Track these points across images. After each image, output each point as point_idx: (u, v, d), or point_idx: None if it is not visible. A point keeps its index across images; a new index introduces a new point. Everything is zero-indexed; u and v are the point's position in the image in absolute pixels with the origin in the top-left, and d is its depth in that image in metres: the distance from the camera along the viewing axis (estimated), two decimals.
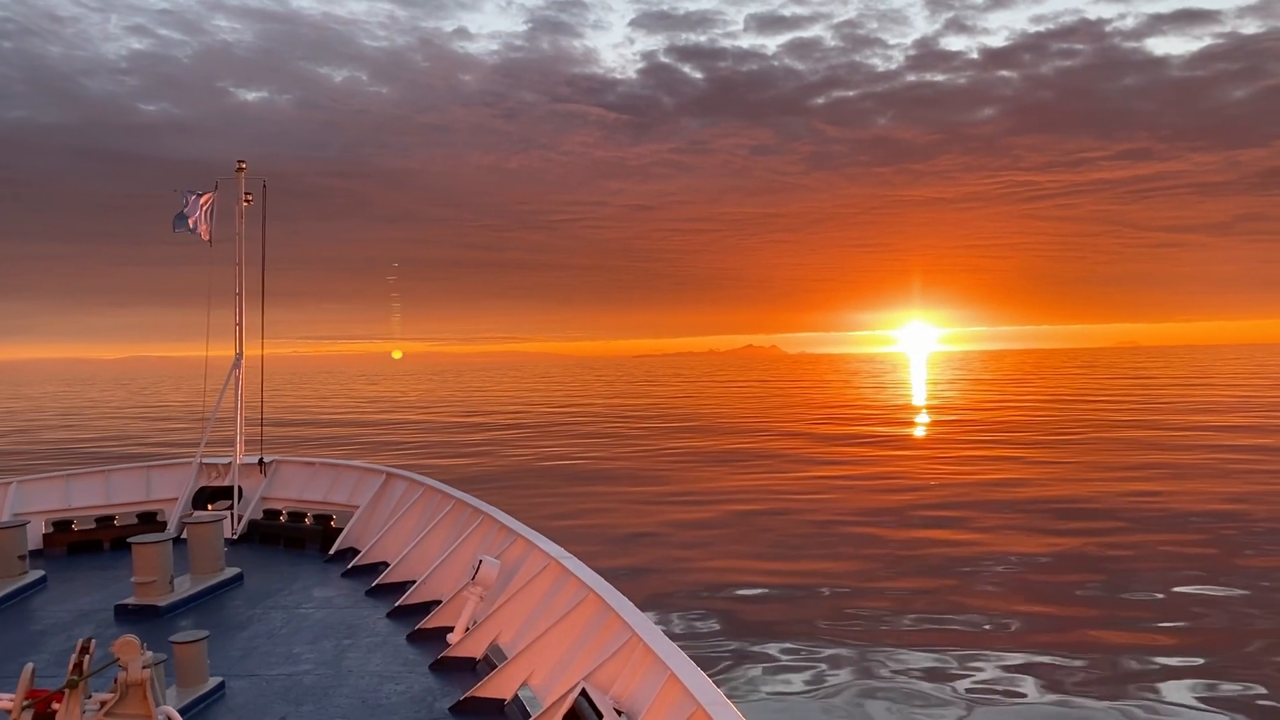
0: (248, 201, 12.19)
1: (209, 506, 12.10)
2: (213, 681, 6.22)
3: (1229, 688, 10.54)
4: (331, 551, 10.66)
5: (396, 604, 8.28)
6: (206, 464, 12.62)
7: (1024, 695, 10.41)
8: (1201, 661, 11.36)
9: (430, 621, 7.54)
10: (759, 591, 15.21)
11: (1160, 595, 14.26)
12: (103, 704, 5.07)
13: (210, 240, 11.90)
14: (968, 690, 10.60)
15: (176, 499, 12.26)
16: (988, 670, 11.25)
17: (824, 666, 11.32)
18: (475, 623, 7.04)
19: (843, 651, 11.89)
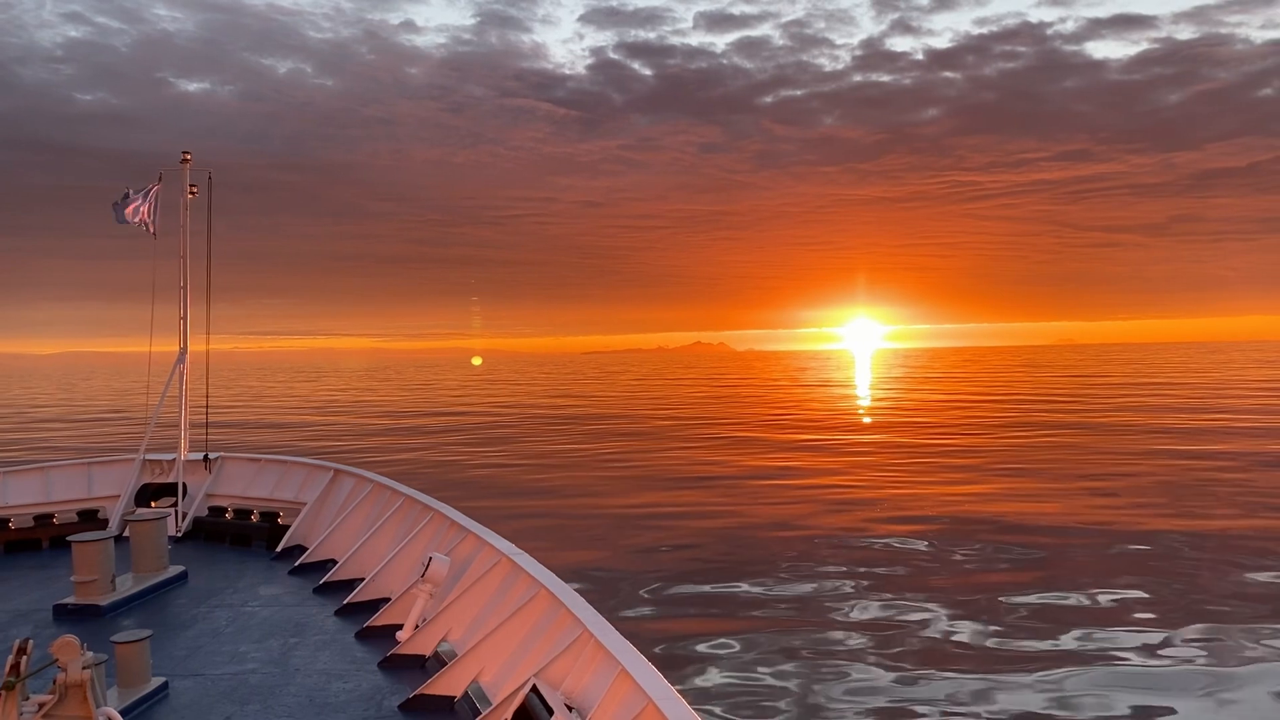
0: (193, 194, 12.00)
1: (152, 504, 11.90)
2: (156, 682, 6.13)
3: None
4: (278, 549, 10.54)
5: (345, 601, 8.21)
6: (150, 460, 12.38)
7: None
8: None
9: (379, 619, 7.50)
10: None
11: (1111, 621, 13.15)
12: (41, 705, 4.98)
13: (155, 233, 11.69)
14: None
15: (118, 496, 12.03)
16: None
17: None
18: (425, 620, 7.02)
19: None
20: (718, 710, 10.04)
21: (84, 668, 5.13)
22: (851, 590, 15.02)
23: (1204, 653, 11.80)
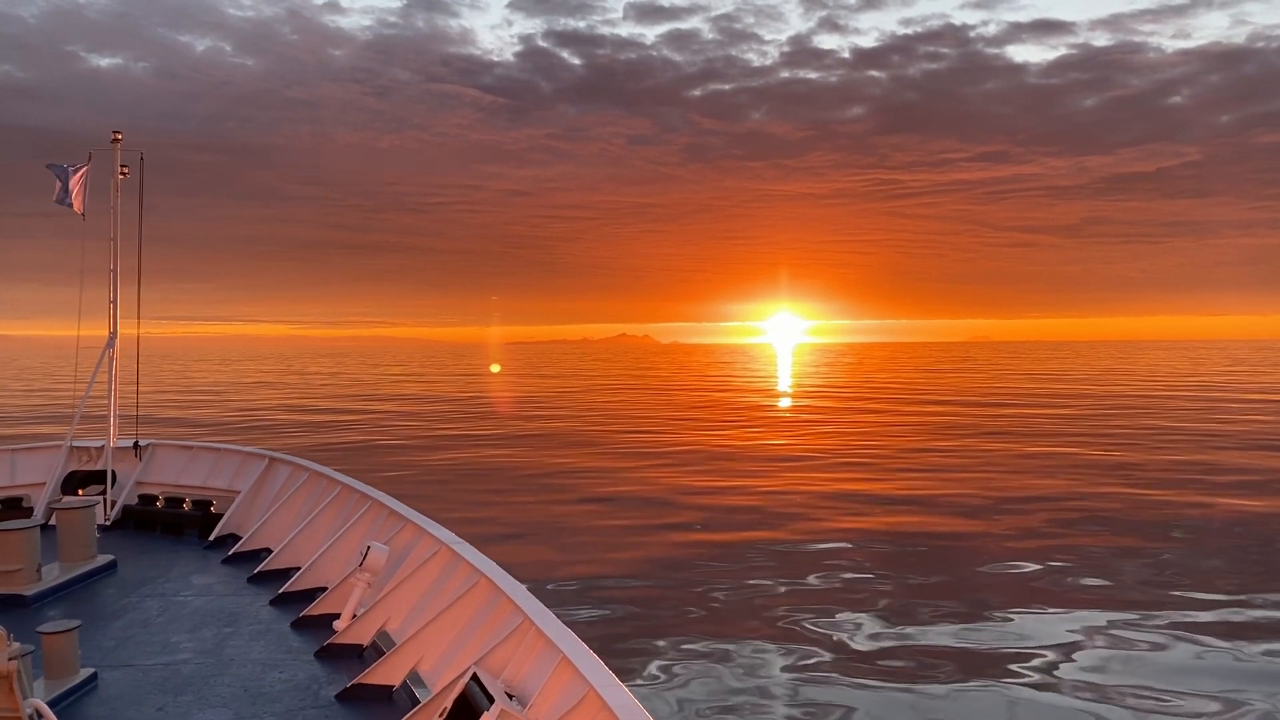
0: (123, 175, 11.69)
1: (79, 492, 11.57)
2: (84, 673, 6.01)
3: None
4: (211, 538, 10.36)
5: (280, 591, 8.12)
6: (77, 447, 12.05)
7: None
8: None
9: (315, 609, 7.43)
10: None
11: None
12: None
13: (84, 215, 11.37)
14: None
15: (44, 484, 11.68)
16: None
17: None
18: (362, 609, 6.98)
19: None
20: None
21: (9, 659, 5.02)
22: None
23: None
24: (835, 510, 21.30)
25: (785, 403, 59.08)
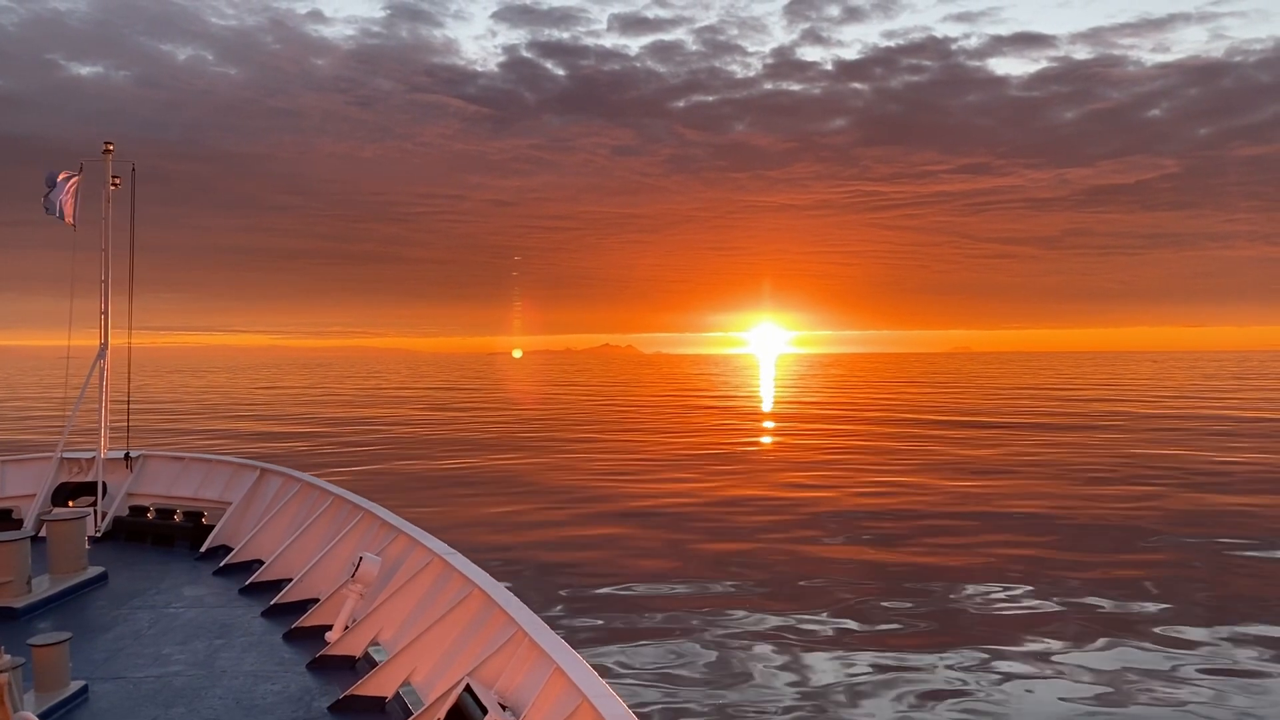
0: (115, 185, 11.68)
1: (70, 503, 11.51)
2: (75, 685, 5.98)
3: None
4: (203, 549, 10.32)
5: (272, 602, 8.09)
6: (67, 458, 11.97)
7: None
8: None
9: (308, 620, 7.41)
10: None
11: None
12: None
13: (74, 225, 11.34)
14: None
15: (34, 495, 11.61)
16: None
17: None
18: (355, 621, 6.96)
19: None
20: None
21: (0, 672, 5.02)
22: None
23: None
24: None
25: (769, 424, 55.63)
